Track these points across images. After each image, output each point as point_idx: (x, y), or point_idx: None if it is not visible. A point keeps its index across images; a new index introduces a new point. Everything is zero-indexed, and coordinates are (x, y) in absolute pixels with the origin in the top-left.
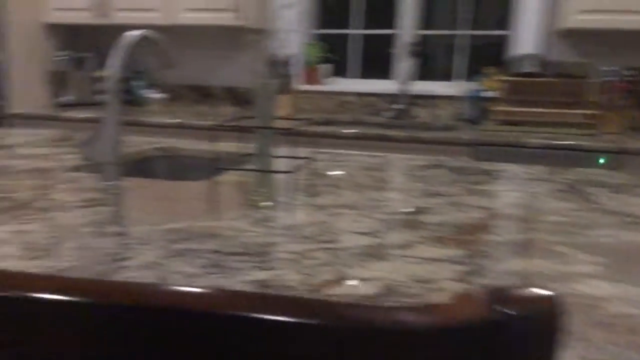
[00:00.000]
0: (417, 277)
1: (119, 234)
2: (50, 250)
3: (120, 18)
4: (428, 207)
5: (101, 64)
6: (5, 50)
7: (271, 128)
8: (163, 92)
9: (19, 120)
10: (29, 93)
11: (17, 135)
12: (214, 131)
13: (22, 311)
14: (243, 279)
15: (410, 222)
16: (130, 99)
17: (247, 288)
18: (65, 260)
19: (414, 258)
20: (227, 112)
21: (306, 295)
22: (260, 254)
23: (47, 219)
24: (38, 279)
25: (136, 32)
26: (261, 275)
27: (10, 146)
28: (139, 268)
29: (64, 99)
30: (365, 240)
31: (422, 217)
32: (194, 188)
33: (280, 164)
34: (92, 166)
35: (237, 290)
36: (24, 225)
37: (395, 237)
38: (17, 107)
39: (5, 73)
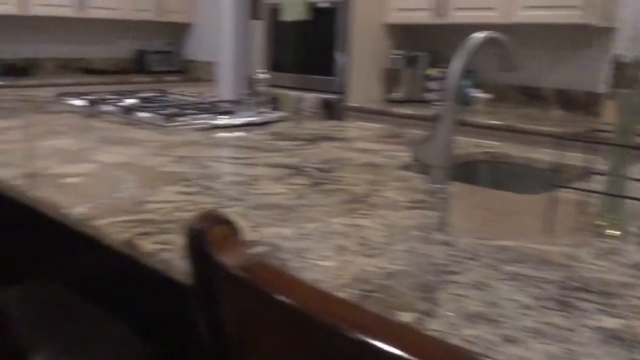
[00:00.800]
0: None
1: (446, 243)
2: (382, 249)
3: (457, 17)
4: None
5: (432, 62)
6: (349, 49)
7: (630, 146)
8: (488, 92)
9: (353, 113)
10: (364, 88)
11: (352, 128)
12: (557, 139)
13: (354, 355)
14: (586, 322)
15: None
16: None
17: (592, 335)
18: (396, 263)
19: None
20: (556, 116)
21: None
22: (606, 295)
23: (379, 216)
24: (380, 324)
25: (482, 34)
26: (609, 322)
27: (348, 139)
28: (467, 286)
29: (395, 95)
30: None
31: None
32: (525, 202)
33: (634, 187)
34: (421, 166)
35: None
36: (358, 220)
37: None
38: (353, 100)
39: (347, 70)
